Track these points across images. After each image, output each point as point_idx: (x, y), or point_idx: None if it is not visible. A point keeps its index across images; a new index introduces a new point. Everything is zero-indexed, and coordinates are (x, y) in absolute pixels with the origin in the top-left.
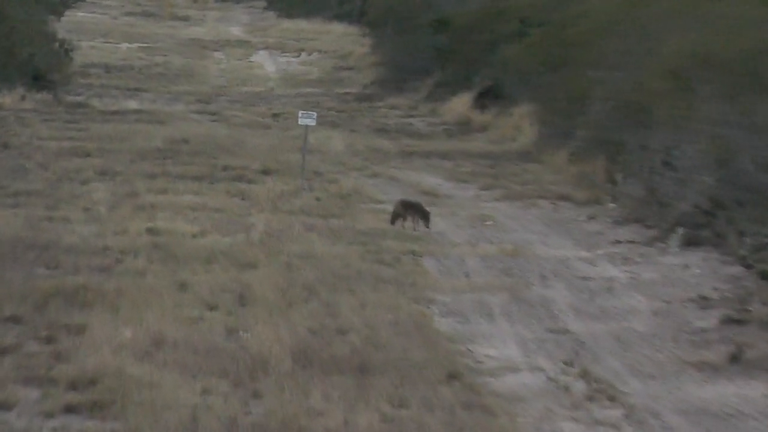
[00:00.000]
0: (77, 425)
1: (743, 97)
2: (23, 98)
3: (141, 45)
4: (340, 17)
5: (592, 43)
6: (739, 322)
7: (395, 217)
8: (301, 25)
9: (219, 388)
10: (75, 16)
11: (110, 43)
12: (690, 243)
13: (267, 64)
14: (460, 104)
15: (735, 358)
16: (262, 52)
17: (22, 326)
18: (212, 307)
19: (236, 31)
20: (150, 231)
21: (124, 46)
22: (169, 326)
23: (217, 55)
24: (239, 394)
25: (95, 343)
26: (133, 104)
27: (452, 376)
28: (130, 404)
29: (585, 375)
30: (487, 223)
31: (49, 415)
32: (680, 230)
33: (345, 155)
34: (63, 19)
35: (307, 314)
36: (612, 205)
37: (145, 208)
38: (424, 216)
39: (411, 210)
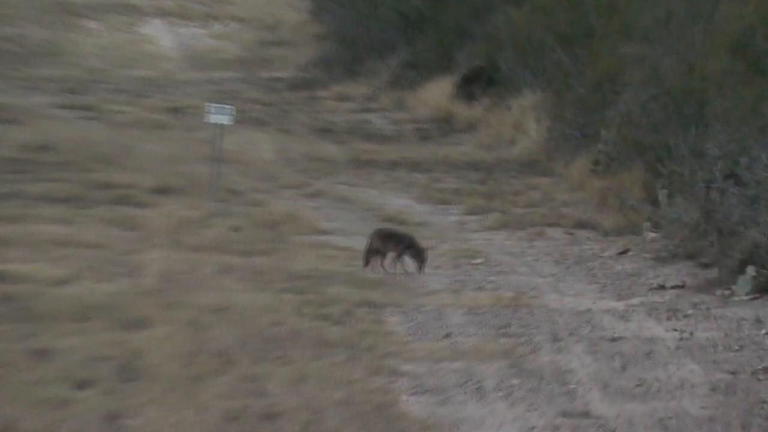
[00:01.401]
0: None
1: None
2: None
3: None
4: None
5: (625, 6)
6: None
7: (370, 255)
8: None
9: None
10: None
11: None
12: (765, 288)
13: (163, 37)
14: (438, 93)
15: None
16: (155, 22)
17: None
18: (84, 385)
19: None
20: None
21: None
22: (21, 412)
23: (92, 25)
24: None
25: None
26: None
27: None
28: None
29: None
30: (477, 261)
31: None
32: (751, 270)
33: (275, 166)
34: None
35: (222, 392)
36: (653, 234)
37: None
38: (418, 254)
39: (394, 244)
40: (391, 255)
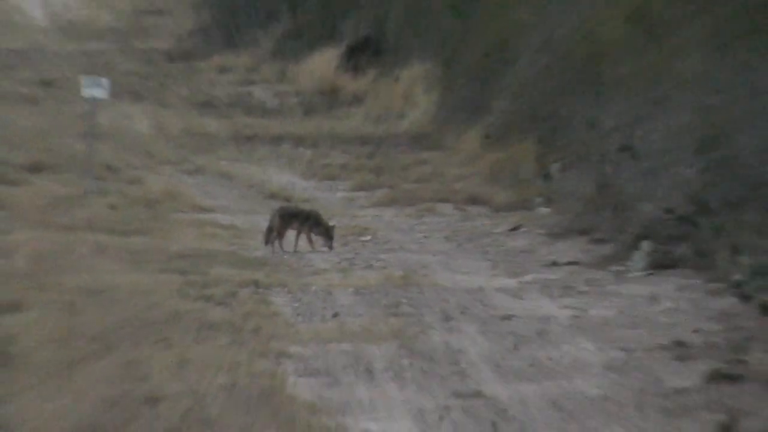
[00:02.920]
0: None
1: (740, 46)
2: None
3: None
4: None
5: None
6: (731, 378)
7: (270, 234)
8: None
9: None
10: None
11: None
12: (661, 264)
13: (32, 6)
14: (323, 64)
15: (726, 431)
16: None
17: None
18: None
19: None
20: None
21: None
22: None
23: None
24: None
25: None
26: None
27: None
28: None
29: None
30: (365, 238)
31: None
32: (646, 245)
33: (152, 142)
34: None
35: (99, 377)
36: (545, 209)
37: None
38: (326, 231)
39: (299, 223)
40: (286, 233)
